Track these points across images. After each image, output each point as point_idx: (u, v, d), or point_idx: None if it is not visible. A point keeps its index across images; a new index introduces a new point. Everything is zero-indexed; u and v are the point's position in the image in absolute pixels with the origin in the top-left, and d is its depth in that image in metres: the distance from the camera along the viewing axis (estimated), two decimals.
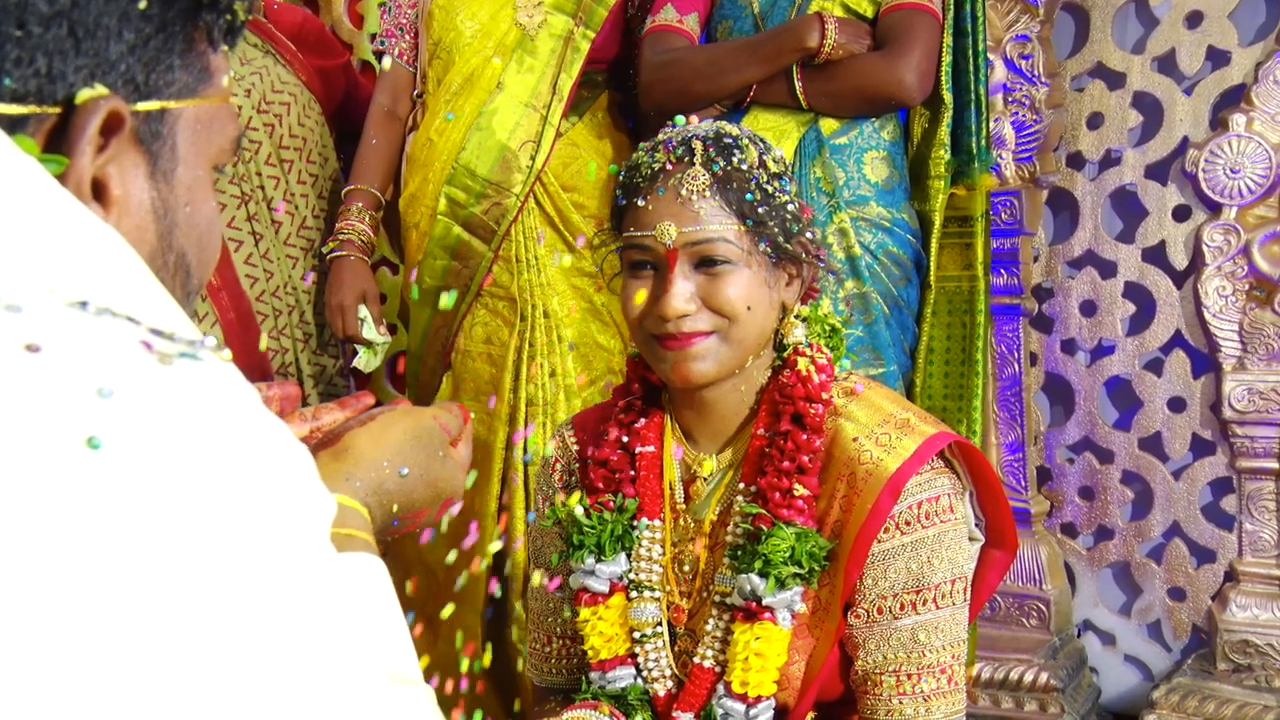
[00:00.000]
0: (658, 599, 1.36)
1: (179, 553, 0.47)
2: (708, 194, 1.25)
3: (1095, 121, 2.59)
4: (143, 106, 0.64)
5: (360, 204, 2.38)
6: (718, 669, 1.30)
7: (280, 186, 2.43)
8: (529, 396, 2.26)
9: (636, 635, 1.36)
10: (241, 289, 2.36)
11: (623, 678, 1.36)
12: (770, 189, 1.26)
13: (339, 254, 2.35)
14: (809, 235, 1.32)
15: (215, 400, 0.51)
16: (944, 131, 2.10)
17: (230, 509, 0.49)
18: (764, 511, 1.26)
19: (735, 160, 1.25)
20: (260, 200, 2.40)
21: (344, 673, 0.53)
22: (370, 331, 2.35)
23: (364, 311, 2.34)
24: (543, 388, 2.26)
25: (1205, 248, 2.43)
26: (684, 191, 1.25)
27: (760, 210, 1.25)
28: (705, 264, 1.26)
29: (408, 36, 2.44)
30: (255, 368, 2.36)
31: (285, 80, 2.47)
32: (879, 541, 1.24)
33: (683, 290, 1.25)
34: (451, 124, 2.28)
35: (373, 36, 3.00)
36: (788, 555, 1.24)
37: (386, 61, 2.45)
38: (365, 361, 2.39)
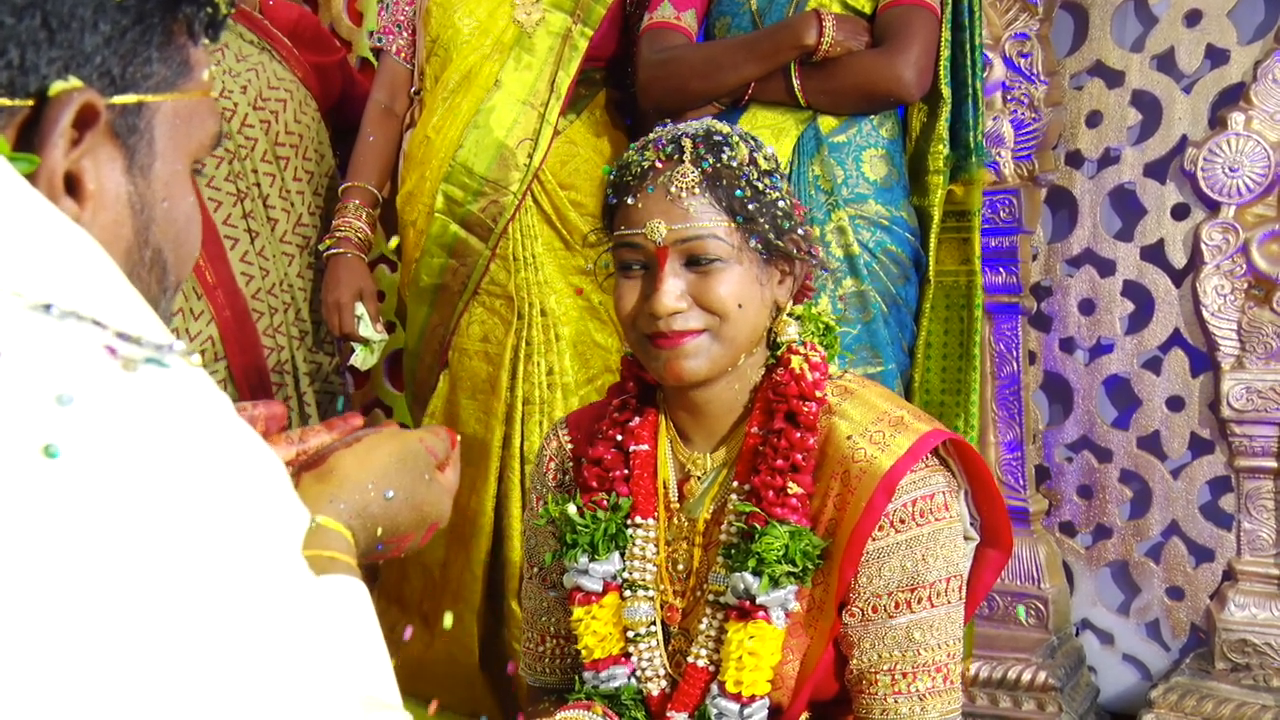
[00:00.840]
0: (651, 598, 1.35)
1: (136, 568, 0.46)
2: (697, 191, 1.24)
3: (1094, 120, 2.58)
4: (119, 100, 0.63)
5: (357, 201, 2.37)
6: (712, 668, 1.30)
7: (276, 183, 2.42)
8: (526, 395, 2.25)
9: (630, 635, 1.35)
10: (237, 286, 2.35)
11: (616, 677, 1.35)
12: (760, 186, 1.26)
13: (336, 251, 2.34)
14: (801, 232, 1.31)
15: (179, 408, 0.50)
16: (942, 126, 2.09)
17: (192, 522, 0.48)
18: (758, 510, 1.25)
19: (725, 157, 1.25)
20: (256, 197, 2.39)
21: (311, 695, 0.51)
22: (367, 329, 2.34)
23: (361, 309, 2.33)
24: (539, 386, 2.25)
25: (1204, 246, 2.42)
26: (673, 189, 1.24)
27: (750, 207, 1.24)
28: (696, 261, 1.25)
29: (405, 33, 2.44)
30: (252, 365, 2.35)
31: (281, 76, 2.46)
32: (873, 539, 1.23)
33: (673, 288, 1.25)
34: (449, 121, 2.28)
35: (372, 33, 2.99)
36: (781, 554, 1.23)
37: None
38: (362, 359, 2.39)
